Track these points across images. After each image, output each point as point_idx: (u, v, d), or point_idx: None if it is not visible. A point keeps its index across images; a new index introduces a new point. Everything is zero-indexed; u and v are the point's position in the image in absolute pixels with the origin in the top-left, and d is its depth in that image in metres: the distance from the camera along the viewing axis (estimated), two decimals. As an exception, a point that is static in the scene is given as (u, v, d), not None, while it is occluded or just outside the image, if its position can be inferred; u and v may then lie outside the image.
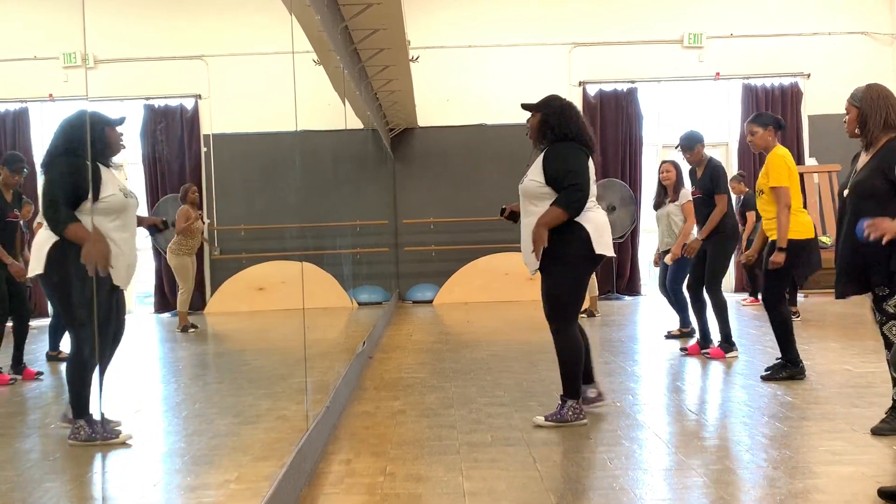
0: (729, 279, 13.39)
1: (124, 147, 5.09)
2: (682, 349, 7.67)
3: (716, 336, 7.40)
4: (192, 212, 10.28)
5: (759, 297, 12.01)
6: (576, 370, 5.05)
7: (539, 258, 4.97)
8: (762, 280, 6.12)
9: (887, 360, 4.68)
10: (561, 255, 4.96)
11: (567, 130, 5.03)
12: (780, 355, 6.26)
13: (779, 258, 6.02)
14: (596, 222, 4.99)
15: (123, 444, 4.73)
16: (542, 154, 5.07)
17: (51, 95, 13.25)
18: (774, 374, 6.09)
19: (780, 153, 6.13)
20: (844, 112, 4.82)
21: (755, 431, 4.77)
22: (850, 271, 4.59)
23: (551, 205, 4.90)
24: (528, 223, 5.08)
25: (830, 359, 6.58)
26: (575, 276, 5.02)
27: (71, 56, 13.26)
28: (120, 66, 13.51)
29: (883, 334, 4.55)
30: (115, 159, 5.19)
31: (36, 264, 4.75)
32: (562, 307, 5.04)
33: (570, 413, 5.00)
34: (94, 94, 13.04)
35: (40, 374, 7.07)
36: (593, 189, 5.08)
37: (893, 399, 4.58)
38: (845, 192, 4.73)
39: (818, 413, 5.15)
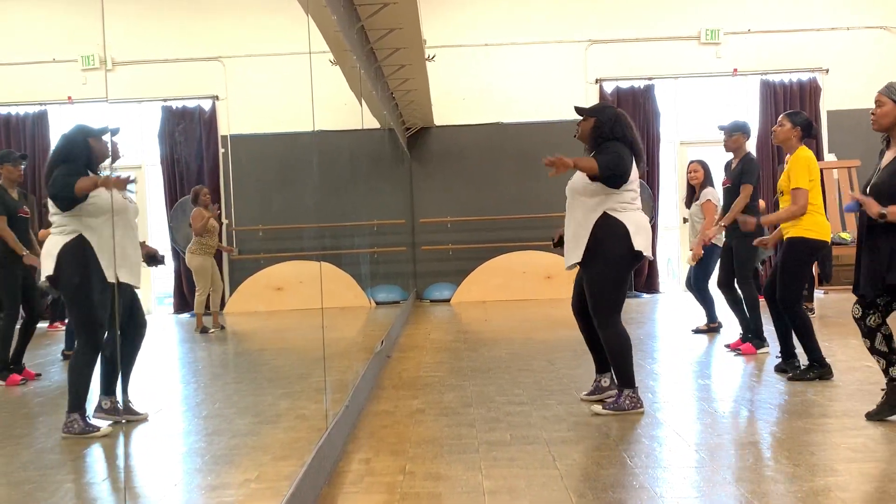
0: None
1: (117, 156, 5.43)
2: (726, 346, 7.61)
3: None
4: (205, 213, 10.34)
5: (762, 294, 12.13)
6: (626, 360, 5.24)
7: (581, 246, 5.17)
8: (778, 282, 6.08)
9: (869, 348, 4.77)
10: (602, 253, 5.15)
11: (620, 135, 5.25)
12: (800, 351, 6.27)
13: (750, 224, 6.45)
14: (636, 222, 5.21)
15: (106, 437, 4.92)
16: (594, 153, 5.27)
17: (70, 98, 13.34)
18: (802, 375, 6.04)
19: (803, 155, 6.08)
20: (875, 105, 4.76)
21: (776, 429, 4.75)
22: (863, 274, 4.75)
23: (594, 158, 5.13)
24: (572, 217, 5.30)
25: (850, 356, 6.54)
26: (615, 273, 5.22)
27: (89, 58, 13.36)
28: (138, 68, 13.58)
29: (876, 327, 4.69)
30: (117, 166, 5.58)
31: (46, 267, 5.05)
32: (605, 303, 5.22)
33: (627, 402, 5.20)
34: (113, 96, 13.12)
35: (38, 375, 7.15)
36: (637, 191, 5.30)
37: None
38: (867, 191, 4.76)
39: (839, 410, 5.13)
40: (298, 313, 11.49)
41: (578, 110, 5.46)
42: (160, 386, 7.21)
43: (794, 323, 6.05)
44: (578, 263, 5.28)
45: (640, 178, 5.41)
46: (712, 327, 8.63)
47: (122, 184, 5.01)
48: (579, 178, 5.27)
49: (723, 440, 4.62)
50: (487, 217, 14.02)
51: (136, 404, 5.50)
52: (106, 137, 5.24)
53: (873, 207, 4.56)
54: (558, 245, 5.72)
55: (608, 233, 5.15)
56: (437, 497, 3.76)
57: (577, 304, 5.52)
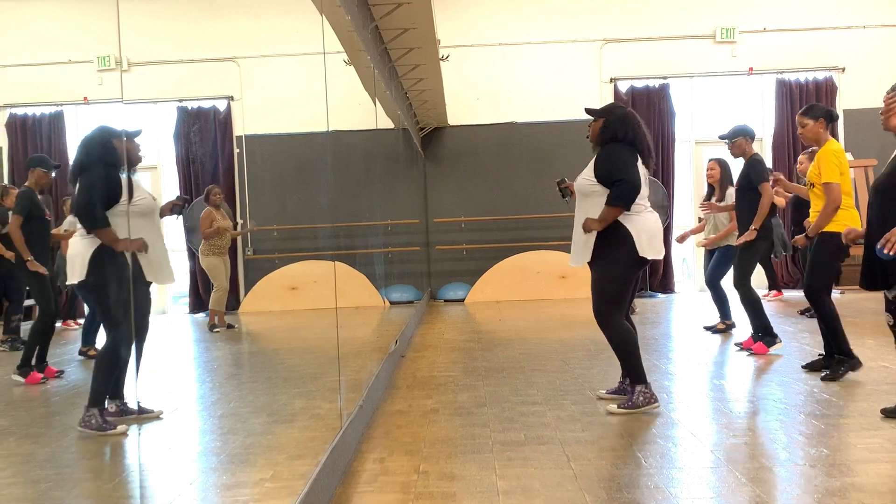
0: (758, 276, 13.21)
1: (138, 159, 5.47)
2: (737, 344, 7.62)
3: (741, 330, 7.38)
4: (215, 214, 10.40)
5: (781, 291, 12.16)
6: (632, 357, 5.29)
7: (589, 248, 5.26)
8: (806, 273, 6.09)
9: None
10: (607, 255, 5.21)
11: (622, 134, 5.27)
12: (820, 351, 6.33)
13: (800, 242, 6.34)
14: (641, 225, 5.22)
15: (123, 435, 4.98)
16: (596, 154, 5.35)
17: (86, 98, 13.42)
18: (834, 374, 5.99)
19: (832, 148, 6.04)
20: (883, 104, 4.81)
21: (792, 429, 4.73)
22: (871, 268, 4.73)
23: (606, 204, 5.17)
24: (578, 218, 5.35)
25: (867, 355, 6.50)
26: (618, 273, 5.25)
27: (105, 59, 13.43)
28: (153, 68, 13.65)
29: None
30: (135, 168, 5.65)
31: (76, 272, 5.07)
32: (606, 302, 5.26)
33: (641, 398, 5.23)
34: (129, 96, 13.19)
35: (61, 372, 7.22)
36: (644, 191, 5.30)
37: None
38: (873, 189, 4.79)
39: (855, 410, 5.10)
40: (313, 313, 11.52)
41: (589, 111, 5.48)
42: (176, 385, 7.25)
43: (820, 312, 6.09)
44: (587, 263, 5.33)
45: (651, 176, 5.42)
46: (728, 325, 8.62)
47: (139, 246, 5.05)
48: (583, 181, 5.32)
49: (738, 440, 4.61)
50: (501, 217, 14.01)
51: (147, 403, 5.54)
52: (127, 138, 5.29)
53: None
54: (561, 190, 6.02)
55: (613, 236, 5.19)
56: (451, 497, 3.76)
57: None
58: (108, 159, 5.09)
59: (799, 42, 13.98)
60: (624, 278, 5.27)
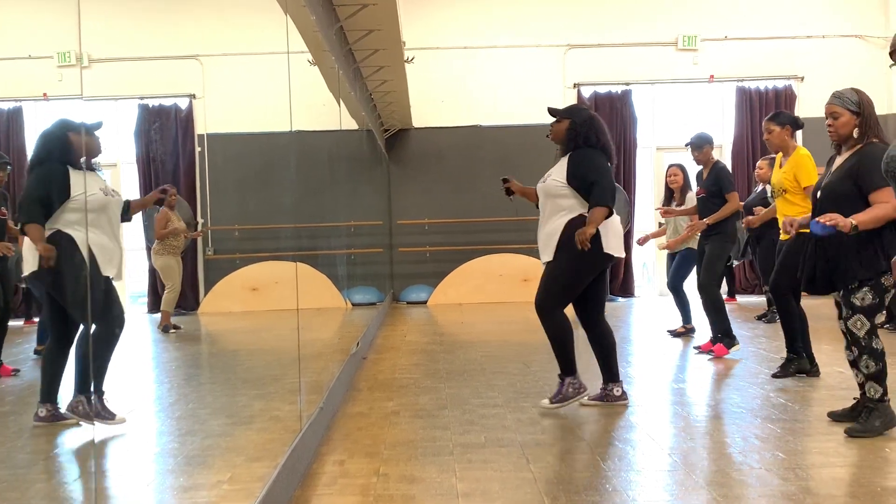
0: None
1: (98, 152, 5.40)
2: (696, 348, 7.72)
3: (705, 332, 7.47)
4: (170, 214, 10.31)
5: (735, 297, 12.34)
6: (567, 349, 5.35)
7: (553, 243, 5.28)
8: (775, 270, 6.16)
9: (849, 360, 4.75)
10: (572, 250, 5.21)
11: (593, 138, 5.36)
12: (783, 355, 6.44)
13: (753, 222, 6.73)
14: (607, 225, 5.27)
15: (75, 425, 4.89)
16: (567, 157, 5.37)
17: (45, 94, 13.21)
18: (784, 372, 6.18)
19: (805, 153, 6.14)
20: (829, 117, 4.88)
21: (748, 433, 4.79)
22: (818, 274, 4.74)
23: (590, 209, 5.21)
24: (547, 218, 5.38)
25: (822, 361, 6.60)
26: (578, 267, 5.29)
27: (65, 55, 13.24)
28: (114, 65, 13.48)
29: (848, 331, 4.64)
30: (98, 161, 5.71)
31: (29, 262, 4.99)
32: (553, 291, 5.33)
33: (571, 389, 5.34)
34: (89, 93, 13.01)
35: (17, 370, 7.10)
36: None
37: (871, 398, 4.63)
38: (818, 194, 4.86)
39: (810, 415, 5.18)
40: (274, 314, 11.42)
41: (552, 112, 5.51)
42: (133, 385, 7.16)
43: (781, 310, 6.17)
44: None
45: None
46: (687, 329, 8.70)
47: (48, 255, 4.86)
48: (554, 183, 5.35)
49: (696, 444, 4.66)
50: (465, 219, 14.03)
51: (113, 405, 5.40)
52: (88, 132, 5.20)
53: (841, 221, 4.52)
54: (506, 192, 5.79)
55: (577, 231, 5.19)
56: (410, 499, 3.76)
57: (578, 312, 5.56)
58: (63, 155, 5.01)
59: (759, 51, 14.17)
60: (581, 272, 5.31)
